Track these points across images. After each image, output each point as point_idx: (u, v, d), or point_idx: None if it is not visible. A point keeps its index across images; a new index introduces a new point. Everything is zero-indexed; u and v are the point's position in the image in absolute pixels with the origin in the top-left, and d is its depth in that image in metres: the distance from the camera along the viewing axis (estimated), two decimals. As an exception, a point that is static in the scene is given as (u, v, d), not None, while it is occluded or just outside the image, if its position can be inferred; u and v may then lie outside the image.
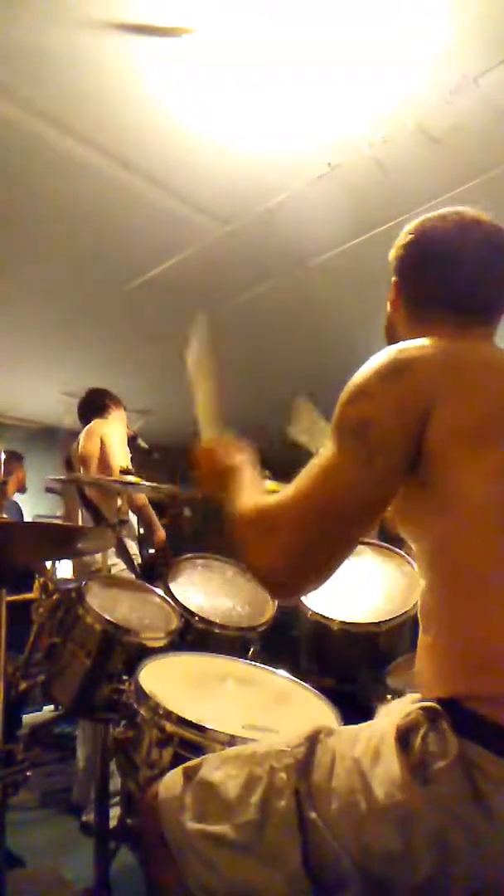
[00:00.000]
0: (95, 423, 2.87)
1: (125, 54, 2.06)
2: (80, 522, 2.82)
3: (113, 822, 1.71)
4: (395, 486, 0.89)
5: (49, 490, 4.12)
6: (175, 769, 0.97)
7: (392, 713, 0.87)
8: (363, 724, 0.94)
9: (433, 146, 2.47)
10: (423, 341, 0.94)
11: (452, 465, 0.86)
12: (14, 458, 4.07)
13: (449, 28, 1.98)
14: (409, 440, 0.86)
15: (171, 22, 1.94)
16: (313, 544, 0.88)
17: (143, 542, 3.10)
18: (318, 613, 1.66)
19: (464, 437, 0.87)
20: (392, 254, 1.11)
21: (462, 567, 0.86)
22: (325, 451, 0.91)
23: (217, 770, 0.92)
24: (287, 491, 0.91)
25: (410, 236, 1.07)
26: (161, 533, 3.09)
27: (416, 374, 0.89)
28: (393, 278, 1.11)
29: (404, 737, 0.82)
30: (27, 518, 4.51)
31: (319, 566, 0.89)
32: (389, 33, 1.99)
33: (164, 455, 3.15)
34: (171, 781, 0.95)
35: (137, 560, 2.83)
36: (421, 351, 0.93)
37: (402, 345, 0.95)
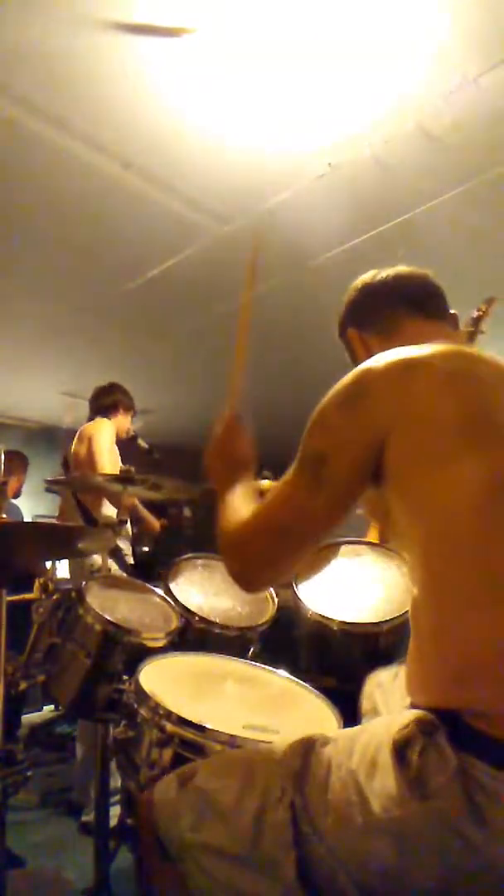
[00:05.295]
0: (88, 426, 2.87)
1: (126, 54, 2.06)
2: (75, 522, 2.81)
3: (113, 822, 1.71)
4: (342, 510, 0.97)
5: (50, 490, 4.10)
6: (168, 775, 0.97)
7: (391, 724, 0.86)
8: (359, 729, 0.94)
9: (433, 146, 2.47)
10: (390, 354, 0.98)
11: (416, 479, 0.91)
12: (17, 459, 4.03)
13: (449, 28, 1.98)
14: (362, 471, 0.94)
15: (171, 22, 1.94)
16: (269, 558, 1.02)
17: (136, 541, 3.08)
18: (318, 613, 1.66)
19: (423, 453, 0.91)
20: (339, 322, 1.27)
21: (438, 576, 0.87)
22: (288, 474, 0.99)
23: (212, 777, 0.91)
24: (256, 509, 1.04)
25: (352, 293, 1.27)
26: (154, 523, 3.11)
27: (372, 402, 0.94)
28: (351, 335, 1.23)
29: (401, 750, 0.81)
30: (27, 519, 4.50)
31: (277, 571, 1.05)
32: (389, 33, 1.99)
33: (164, 454, 3.15)
34: (165, 787, 0.94)
35: (130, 560, 2.82)
36: (384, 370, 0.96)
37: (369, 363, 0.98)
